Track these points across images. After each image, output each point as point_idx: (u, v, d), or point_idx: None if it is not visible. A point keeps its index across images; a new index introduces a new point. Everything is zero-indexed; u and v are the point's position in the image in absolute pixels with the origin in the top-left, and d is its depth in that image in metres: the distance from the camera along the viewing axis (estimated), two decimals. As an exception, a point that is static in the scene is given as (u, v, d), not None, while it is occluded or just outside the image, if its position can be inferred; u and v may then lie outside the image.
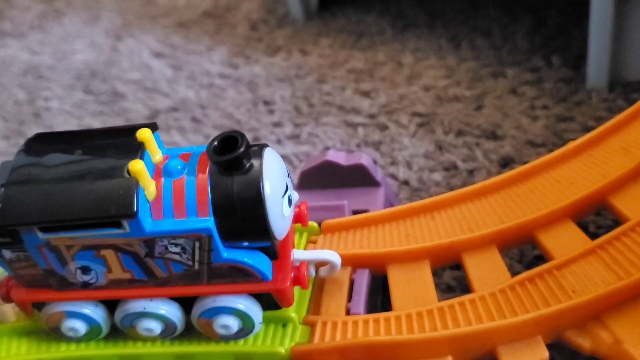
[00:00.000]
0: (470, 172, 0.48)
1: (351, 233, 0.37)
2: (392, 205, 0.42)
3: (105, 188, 0.26)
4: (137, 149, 0.27)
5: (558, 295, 0.30)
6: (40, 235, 0.27)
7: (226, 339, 0.30)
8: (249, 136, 0.57)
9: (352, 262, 0.35)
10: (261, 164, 0.27)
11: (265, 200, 0.26)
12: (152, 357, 0.31)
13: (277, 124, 0.59)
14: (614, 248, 0.31)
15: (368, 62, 0.66)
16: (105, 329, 0.31)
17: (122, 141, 0.27)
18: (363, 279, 0.34)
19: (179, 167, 0.27)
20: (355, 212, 0.39)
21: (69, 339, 0.31)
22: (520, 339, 0.29)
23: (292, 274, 0.30)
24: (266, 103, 0.62)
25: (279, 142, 0.56)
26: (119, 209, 0.25)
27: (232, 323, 0.29)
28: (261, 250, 0.29)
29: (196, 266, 0.28)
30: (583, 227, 0.40)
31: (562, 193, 0.36)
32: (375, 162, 0.51)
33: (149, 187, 0.26)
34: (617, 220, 0.35)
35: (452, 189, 0.46)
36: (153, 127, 0.28)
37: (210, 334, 0.30)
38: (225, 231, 0.27)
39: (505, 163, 0.48)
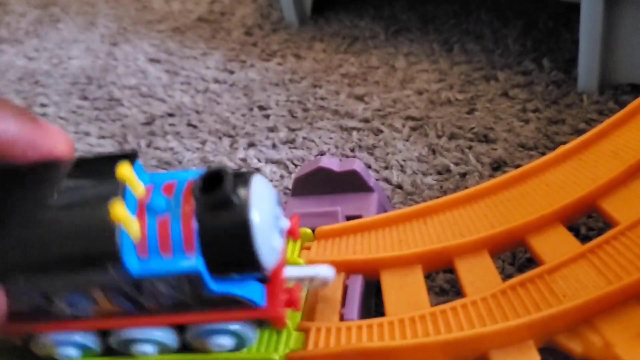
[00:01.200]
0: (463, 175, 0.48)
1: (344, 239, 0.37)
2: (385, 210, 0.42)
3: (87, 232, 0.25)
4: (117, 187, 0.26)
5: (549, 300, 0.30)
6: (23, 282, 0.26)
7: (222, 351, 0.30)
8: (244, 141, 0.57)
9: (346, 268, 0.35)
10: (248, 195, 0.26)
11: (254, 235, 0.25)
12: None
13: (272, 129, 0.59)
14: (605, 252, 0.32)
15: (362, 67, 0.66)
16: (99, 350, 0.31)
17: (100, 176, 0.26)
18: (356, 284, 0.34)
19: (163, 204, 0.26)
20: (348, 218, 0.40)
21: None
22: (512, 344, 0.29)
23: (285, 297, 0.29)
24: (261, 108, 0.63)
25: (274, 146, 0.56)
26: (102, 255, 0.24)
27: (227, 342, 0.29)
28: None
29: (187, 299, 0.27)
30: (574, 230, 0.40)
31: (553, 197, 0.36)
32: (369, 166, 0.51)
33: (133, 228, 0.25)
34: (608, 224, 0.35)
35: (445, 192, 0.47)
36: (132, 156, 0.27)
37: (206, 350, 0.30)
38: (214, 266, 0.26)
39: (498, 166, 0.49)
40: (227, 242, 0.25)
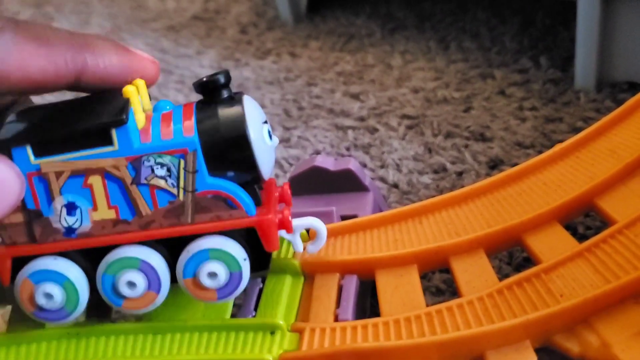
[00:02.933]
0: (459, 174, 0.48)
1: (339, 239, 0.37)
2: (381, 210, 0.42)
3: (97, 108, 0.28)
4: (124, 103, 0.28)
5: (546, 300, 0.30)
6: (32, 158, 0.27)
7: (221, 295, 0.30)
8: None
9: (341, 268, 0.35)
10: (241, 96, 0.29)
11: (248, 127, 0.28)
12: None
13: (266, 128, 0.58)
14: (602, 251, 0.31)
15: (357, 65, 0.66)
16: (81, 296, 0.30)
17: (108, 99, 0.29)
18: (351, 284, 0.34)
19: (168, 106, 0.29)
20: (343, 218, 0.39)
21: (48, 317, 0.30)
22: (509, 344, 0.29)
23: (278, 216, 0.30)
24: (256, 107, 0.62)
25: (268, 146, 0.56)
26: (110, 117, 0.27)
27: (218, 269, 0.29)
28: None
29: (181, 196, 0.28)
30: (572, 228, 0.40)
31: (550, 196, 0.36)
32: (365, 165, 0.51)
33: (139, 113, 0.28)
34: (606, 222, 0.35)
35: (441, 191, 0.46)
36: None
37: (203, 295, 0.30)
38: (210, 157, 0.28)
39: (494, 165, 0.48)
40: (223, 129, 0.28)
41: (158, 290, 0.30)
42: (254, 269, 0.30)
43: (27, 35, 0.27)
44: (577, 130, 0.49)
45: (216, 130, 0.28)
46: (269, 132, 0.30)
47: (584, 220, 0.41)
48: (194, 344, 0.31)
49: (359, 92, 0.61)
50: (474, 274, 0.33)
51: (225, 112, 0.28)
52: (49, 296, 0.29)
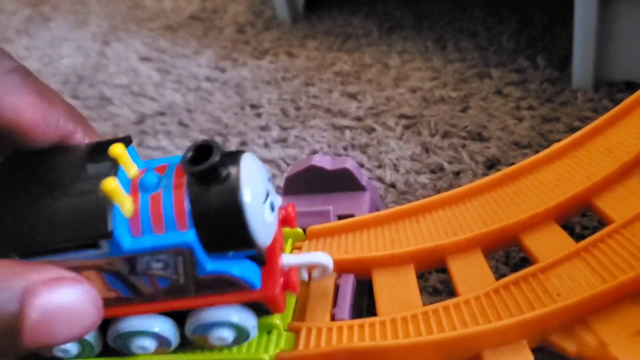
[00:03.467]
0: (457, 174, 0.48)
1: (336, 238, 0.37)
2: (377, 209, 0.42)
3: (79, 209, 0.25)
4: (110, 167, 0.26)
5: (543, 299, 0.30)
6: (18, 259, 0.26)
7: (223, 347, 0.30)
8: (236, 140, 0.57)
9: (337, 268, 0.34)
10: (238, 171, 0.26)
11: (245, 208, 0.25)
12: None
13: (264, 128, 0.58)
14: (599, 250, 0.31)
15: (355, 65, 0.66)
16: (96, 347, 0.30)
17: (96, 158, 0.27)
18: (348, 284, 0.34)
19: (155, 180, 0.26)
20: (340, 217, 0.39)
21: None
22: (505, 344, 0.29)
23: (282, 280, 0.29)
24: (253, 106, 0.62)
25: (266, 145, 0.56)
26: (93, 230, 0.25)
27: (227, 335, 0.29)
28: (248, 257, 0.28)
29: (181, 280, 0.27)
30: (569, 228, 0.40)
31: (547, 195, 0.36)
32: (362, 165, 0.51)
33: (125, 205, 0.25)
34: (603, 222, 0.35)
35: (438, 191, 0.46)
36: (127, 141, 0.27)
37: (207, 345, 0.30)
38: (207, 242, 0.26)
39: (491, 164, 0.48)
40: (219, 216, 0.25)
41: (169, 346, 0.30)
42: (259, 314, 0.29)
43: (33, 86, 0.28)
44: (574, 130, 0.48)
45: (212, 221, 0.25)
46: (271, 204, 0.27)
47: (580, 220, 0.41)
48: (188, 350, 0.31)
49: (356, 92, 0.61)
50: (471, 273, 0.33)
51: (220, 198, 0.25)
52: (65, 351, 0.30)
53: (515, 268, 0.39)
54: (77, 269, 0.26)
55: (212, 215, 0.25)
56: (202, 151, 0.25)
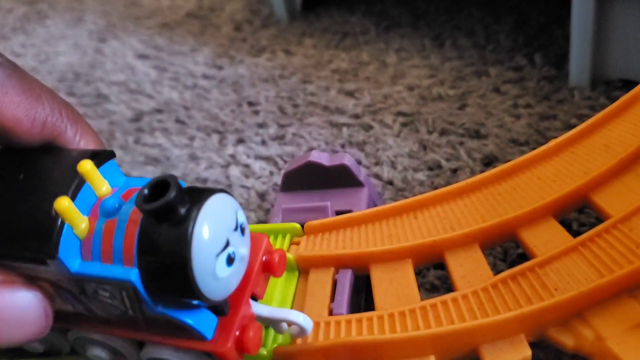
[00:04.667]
0: (454, 171, 0.48)
1: (334, 234, 0.37)
2: (375, 205, 0.42)
3: (32, 223, 0.24)
4: (71, 184, 0.25)
5: (540, 293, 0.30)
6: None
7: None
8: (233, 137, 0.57)
9: (335, 263, 0.35)
10: (197, 215, 0.23)
11: (191, 258, 0.23)
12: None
13: (261, 125, 0.58)
14: (596, 245, 0.31)
15: (352, 62, 0.66)
16: (65, 347, 0.30)
17: (67, 170, 0.25)
18: (346, 279, 0.34)
19: (116, 206, 0.24)
20: (338, 213, 0.39)
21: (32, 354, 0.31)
22: (503, 338, 0.29)
23: (237, 334, 0.26)
24: (250, 104, 0.62)
25: (263, 143, 0.56)
26: (39, 249, 0.23)
27: None
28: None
29: (130, 312, 0.25)
30: (566, 225, 0.40)
31: (544, 190, 0.36)
32: (360, 162, 0.51)
33: (79, 226, 0.24)
34: (600, 218, 0.35)
35: (435, 188, 0.46)
36: (109, 155, 0.26)
37: None
38: (149, 285, 0.24)
39: (489, 162, 0.48)
40: (163, 260, 0.23)
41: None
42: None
43: (19, 82, 0.26)
44: (571, 127, 0.48)
45: (155, 266, 0.23)
46: (230, 255, 0.24)
47: (578, 216, 0.41)
48: None
49: (353, 90, 0.61)
50: (469, 269, 0.33)
51: (168, 242, 0.23)
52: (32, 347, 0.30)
53: (512, 264, 0.39)
54: (33, 279, 0.25)
55: (155, 259, 0.23)
56: (161, 186, 0.23)
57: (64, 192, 0.24)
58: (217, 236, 0.23)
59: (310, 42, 0.71)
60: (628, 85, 0.52)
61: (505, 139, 0.50)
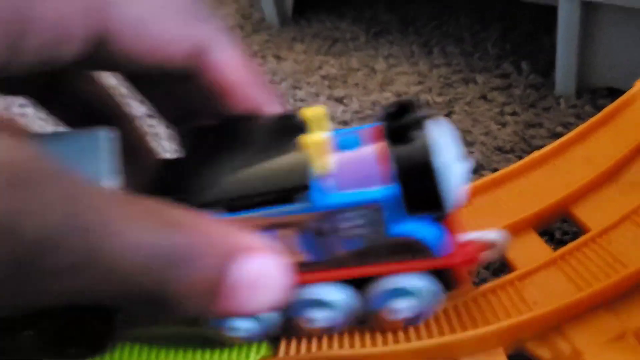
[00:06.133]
0: (441, 179, 0.48)
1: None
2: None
3: (280, 166, 0.26)
4: (302, 128, 0.26)
5: (519, 307, 0.30)
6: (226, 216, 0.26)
7: (407, 324, 0.30)
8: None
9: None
10: (436, 130, 0.25)
11: (442, 166, 0.25)
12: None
13: (250, 132, 0.59)
14: (575, 259, 0.32)
15: (342, 68, 0.66)
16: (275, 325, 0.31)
17: (282, 125, 0.27)
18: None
19: (355, 139, 0.27)
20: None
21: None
22: (482, 351, 0.29)
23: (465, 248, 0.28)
24: (240, 110, 0.62)
25: (252, 149, 0.56)
26: (291, 183, 0.25)
27: (407, 304, 0.29)
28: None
29: (369, 243, 0.27)
30: (549, 234, 0.40)
31: (526, 204, 0.36)
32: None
33: (323, 160, 0.25)
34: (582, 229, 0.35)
35: (422, 197, 0.47)
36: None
37: (388, 327, 0.30)
38: (402, 201, 0.26)
39: (474, 170, 0.49)
40: (414, 172, 0.25)
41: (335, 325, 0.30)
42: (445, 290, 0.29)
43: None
44: (556, 135, 0.49)
45: (413, 175, 0.25)
46: (462, 167, 0.27)
47: (561, 225, 0.41)
48: (171, 352, 0.31)
49: (342, 96, 0.61)
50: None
51: (417, 155, 0.25)
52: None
53: (496, 273, 0.39)
54: (275, 227, 0.26)
55: (412, 171, 0.25)
56: (399, 106, 0.26)
57: (299, 134, 0.26)
58: (455, 144, 0.26)
59: (300, 48, 0.72)
60: (613, 93, 0.53)
61: (492, 146, 0.51)
